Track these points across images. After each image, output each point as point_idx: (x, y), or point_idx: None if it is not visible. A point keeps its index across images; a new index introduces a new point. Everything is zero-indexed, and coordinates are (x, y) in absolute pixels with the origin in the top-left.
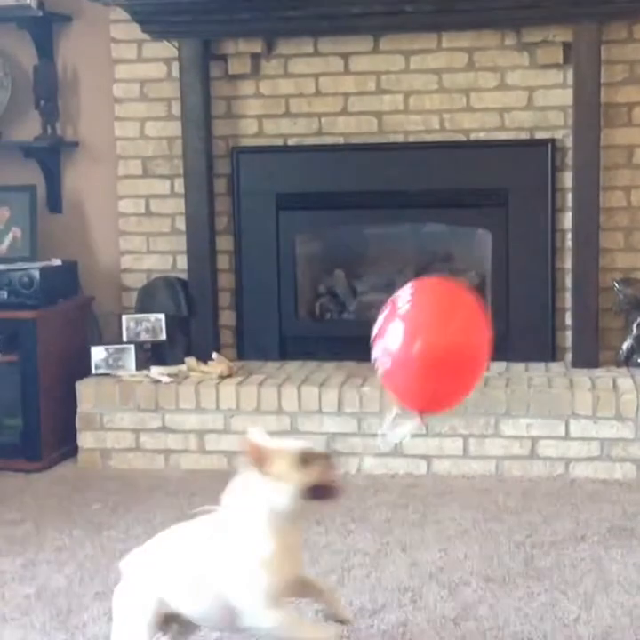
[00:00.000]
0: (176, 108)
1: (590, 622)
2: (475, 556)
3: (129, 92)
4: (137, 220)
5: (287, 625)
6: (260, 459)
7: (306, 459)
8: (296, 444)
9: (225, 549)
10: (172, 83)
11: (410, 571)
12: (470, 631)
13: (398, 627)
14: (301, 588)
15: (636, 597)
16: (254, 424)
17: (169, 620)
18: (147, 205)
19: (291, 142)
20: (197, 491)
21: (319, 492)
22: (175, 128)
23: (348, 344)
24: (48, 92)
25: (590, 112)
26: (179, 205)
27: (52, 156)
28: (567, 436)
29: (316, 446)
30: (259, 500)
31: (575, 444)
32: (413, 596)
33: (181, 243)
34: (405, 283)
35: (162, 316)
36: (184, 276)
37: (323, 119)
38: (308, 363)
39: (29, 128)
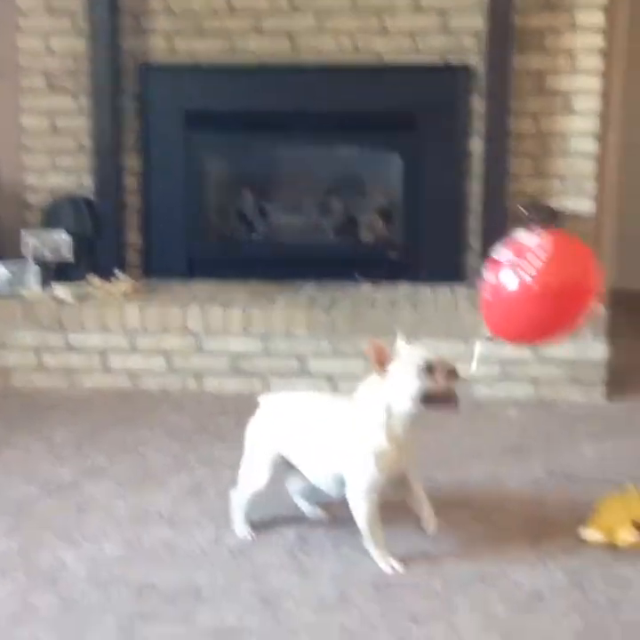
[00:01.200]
0: (82, 22)
1: (485, 534)
2: None
3: (33, 3)
4: (41, 137)
5: (367, 521)
6: (380, 360)
7: (430, 368)
8: (422, 353)
9: (348, 432)
10: None
11: None
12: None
13: (297, 540)
14: (402, 487)
15: (530, 510)
16: (159, 343)
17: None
18: (51, 122)
19: (201, 60)
20: (101, 410)
21: (437, 401)
22: (81, 43)
23: (256, 265)
24: None
25: (503, 37)
26: (84, 122)
27: None
28: (470, 357)
29: (442, 357)
30: (381, 399)
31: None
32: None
33: (87, 160)
34: (316, 204)
35: (66, 235)
36: (89, 194)
37: (235, 37)
38: (215, 283)
39: None
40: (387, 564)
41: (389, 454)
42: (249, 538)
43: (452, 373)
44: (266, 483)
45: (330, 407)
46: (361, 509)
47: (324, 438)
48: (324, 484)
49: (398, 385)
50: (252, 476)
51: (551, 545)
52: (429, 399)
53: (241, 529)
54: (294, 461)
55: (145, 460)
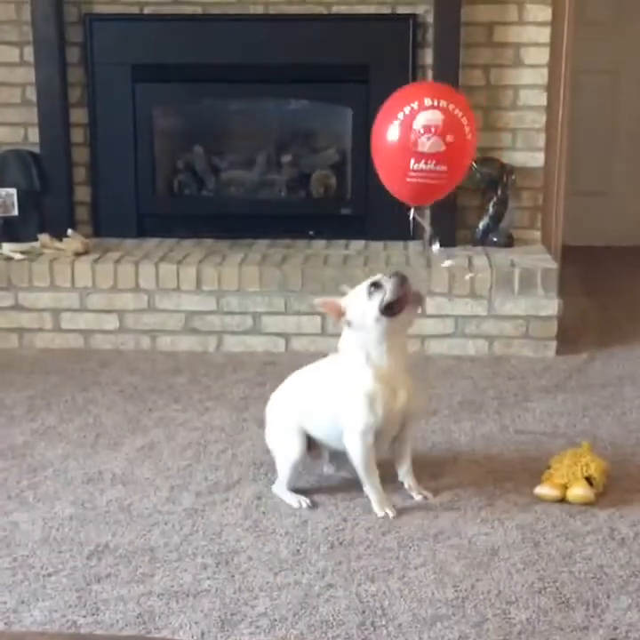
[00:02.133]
0: None
1: (438, 491)
2: None
3: None
4: None
5: (363, 463)
6: (336, 312)
7: (374, 286)
8: (365, 282)
9: (339, 383)
10: None
11: (265, 446)
12: (322, 502)
13: (253, 500)
14: (396, 442)
15: (483, 467)
16: (111, 302)
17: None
18: None
19: (147, 10)
20: (52, 369)
21: (398, 307)
22: None
23: (207, 221)
24: None
25: None
26: (29, 75)
27: None
28: (423, 314)
29: (385, 274)
30: (355, 342)
31: (430, 322)
32: (268, 470)
33: (33, 114)
34: (266, 159)
35: (13, 191)
36: (36, 149)
37: None
38: (167, 240)
39: None
40: (381, 509)
41: (380, 394)
42: (305, 505)
43: (398, 278)
44: (300, 451)
45: (322, 368)
46: (356, 451)
47: (322, 397)
48: (335, 440)
49: (359, 317)
50: (286, 449)
51: (505, 501)
52: (390, 309)
53: (296, 501)
54: (307, 427)
55: (98, 421)
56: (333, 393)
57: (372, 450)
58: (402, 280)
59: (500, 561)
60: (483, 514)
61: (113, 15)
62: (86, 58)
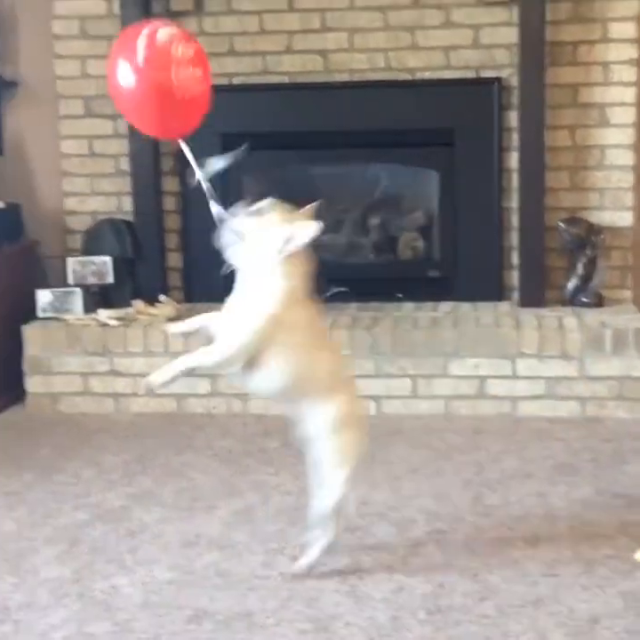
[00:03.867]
0: None
1: (536, 557)
2: (424, 494)
3: (68, 28)
4: (80, 161)
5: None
6: None
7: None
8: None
9: None
10: (112, 19)
11: (360, 510)
12: (419, 567)
13: (349, 564)
14: None
15: (581, 532)
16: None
17: None
18: (90, 146)
19: (235, 81)
20: (147, 434)
21: None
22: None
23: None
24: None
25: (536, 50)
26: (122, 146)
27: None
28: (514, 375)
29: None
30: None
31: (522, 383)
32: (363, 535)
33: (126, 184)
34: (353, 223)
35: (108, 259)
36: (130, 217)
37: (267, 57)
38: None
39: None
40: None
41: None
42: None
43: None
44: None
45: None
46: None
47: None
48: None
49: None
50: None
51: (605, 567)
52: None
53: None
54: None
55: (193, 484)
56: None
57: None
58: None
59: (602, 629)
60: (582, 580)
61: None
62: None
